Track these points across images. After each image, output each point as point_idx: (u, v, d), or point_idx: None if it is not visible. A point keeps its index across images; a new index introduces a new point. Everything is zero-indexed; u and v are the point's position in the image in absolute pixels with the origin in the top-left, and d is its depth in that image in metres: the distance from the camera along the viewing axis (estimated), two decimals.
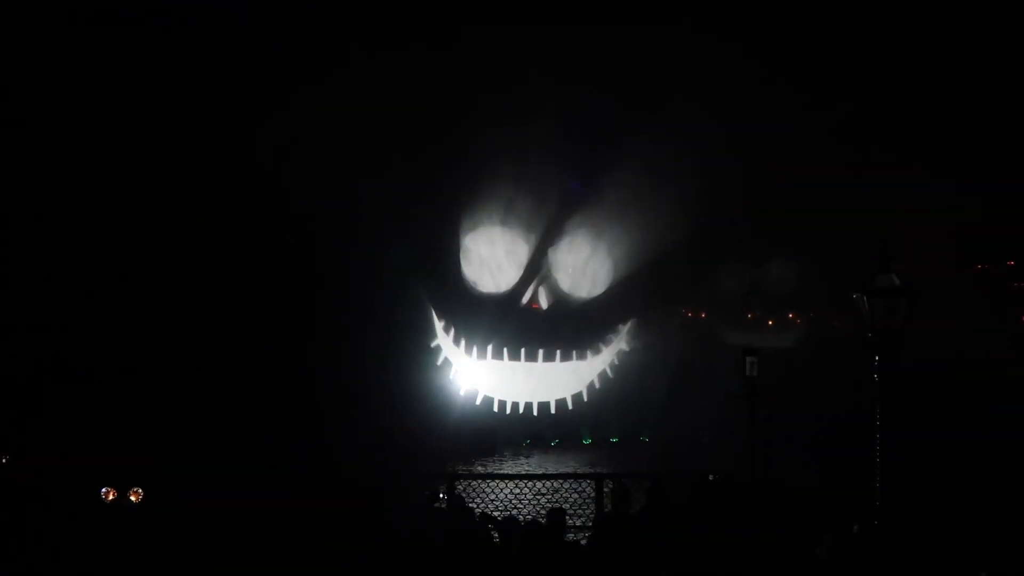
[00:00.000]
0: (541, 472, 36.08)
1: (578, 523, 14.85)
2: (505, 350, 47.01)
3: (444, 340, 48.12)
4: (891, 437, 11.24)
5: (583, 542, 12.48)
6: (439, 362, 47.72)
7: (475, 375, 47.27)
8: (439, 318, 48.30)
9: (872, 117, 52.33)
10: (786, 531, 11.83)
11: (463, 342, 47.48)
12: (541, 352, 47.10)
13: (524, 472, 36.98)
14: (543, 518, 11.61)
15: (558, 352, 47.07)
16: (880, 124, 52.36)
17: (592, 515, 14.95)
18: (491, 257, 48.83)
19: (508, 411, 47.29)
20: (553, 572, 10.50)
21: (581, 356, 48.02)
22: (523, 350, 47.04)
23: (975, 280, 59.43)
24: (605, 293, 49.21)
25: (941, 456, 36.03)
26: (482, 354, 46.97)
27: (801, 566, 11.02)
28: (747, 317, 53.18)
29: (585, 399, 47.69)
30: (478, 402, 46.59)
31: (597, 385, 48.36)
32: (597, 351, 48.83)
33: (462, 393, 46.96)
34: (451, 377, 47.46)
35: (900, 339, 11.17)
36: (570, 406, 47.58)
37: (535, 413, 47.56)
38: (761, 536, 11.19)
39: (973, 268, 63.47)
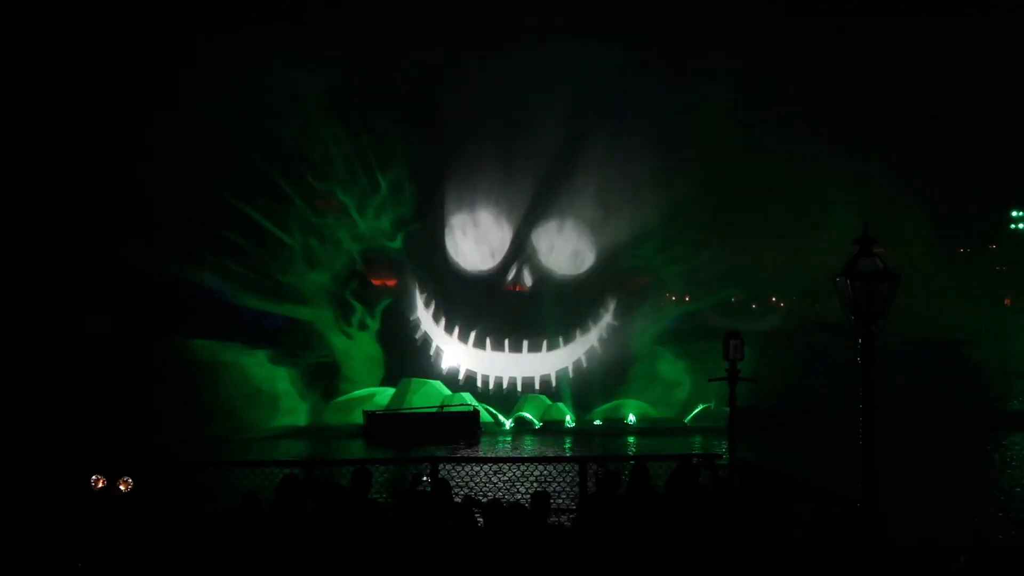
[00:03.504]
0: (525, 456, 36.21)
1: (562, 506, 14.90)
2: (488, 339, 47.31)
3: (424, 314, 48.17)
4: (873, 419, 11.30)
5: (567, 525, 12.55)
6: (417, 336, 47.88)
7: (457, 353, 47.51)
8: (421, 290, 48.36)
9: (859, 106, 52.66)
10: (767, 512, 11.91)
11: (444, 320, 47.72)
12: (526, 343, 47.56)
13: (508, 456, 37.12)
14: (527, 501, 11.66)
15: (544, 342, 47.49)
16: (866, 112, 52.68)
17: (576, 498, 15.02)
18: (476, 234, 48.98)
19: (491, 387, 47.43)
20: (537, 554, 10.56)
21: (568, 339, 48.32)
22: (507, 340, 47.49)
23: (958, 263, 59.82)
24: (591, 270, 49.40)
25: (925, 437, 36.37)
26: (464, 338, 47.35)
27: (781, 546, 11.10)
28: (731, 301, 53.40)
29: (571, 375, 47.87)
30: (460, 378, 46.66)
31: (584, 363, 48.60)
32: (586, 329, 48.92)
33: (444, 369, 47.25)
34: (431, 354, 47.74)
35: (882, 322, 11.22)
36: (554, 383, 47.69)
37: (519, 389, 47.71)
38: (742, 517, 11.27)
39: (955, 251, 63.91)
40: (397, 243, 50.49)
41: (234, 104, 45.45)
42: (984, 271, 71.70)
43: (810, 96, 49.23)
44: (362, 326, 50.30)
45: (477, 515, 11.46)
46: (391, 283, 50.87)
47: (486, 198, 48.97)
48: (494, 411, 47.00)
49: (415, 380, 47.55)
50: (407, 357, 49.19)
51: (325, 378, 48.97)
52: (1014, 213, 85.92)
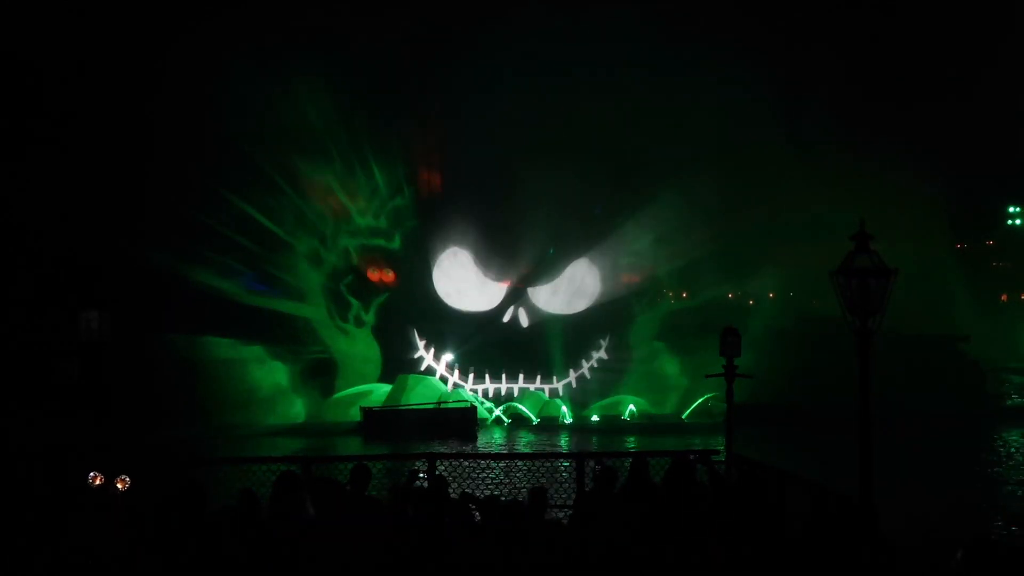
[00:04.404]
0: (522, 452, 36.20)
1: (559, 502, 14.89)
2: (487, 374, 48.40)
3: (425, 354, 49.18)
4: (869, 415, 11.32)
5: (564, 521, 12.55)
6: (422, 368, 48.70)
7: (457, 383, 48.68)
8: (420, 336, 49.31)
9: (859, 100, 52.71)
10: (764, 508, 11.90)
11: (443, 361, 48.81)
12: (521, 376, 48.57)
13: (505, 451, 37.12)
14: (524, 497, 11.66)
15: (538, 376, 48.59)
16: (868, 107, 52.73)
17: (573, 494, 15.01)
18: (469, 280, 50.04)
19: (490, 401, 47.96)
20: (534, 550, 10.55)
21: (562, 376, 49.34)
22: (504, 374, 48.47)
23: (955, 259, 59.85)
24: (586, 312, 50.37)
25: (922, 433, 36.42)
26: (463, 375, 48.46)
27: (778, 543, 11.11)
28: (728, 297, 53.45)
29: (560, 393, 48.63)
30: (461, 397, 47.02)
31: (574, 385, 49.28)
32: (578, 367, 49.79)
33: (448, 388, 48.05)
34: (436, 378, 48.52)
35: (879, 318, 11.24)
36: (546, 397, 48.53)
37: (514, 400, 48.16)
38: (739, 513, 11.27)
39: (953, 247, 63.94)
40: (396, 243, 50.69)
41: (229, 96, 45.44)
42: (981, 267, 71.77)
43: (807, 91, 49.24)
44: (359, 322, 50.34)
45: (474, 511, 11.46)
46: (388, 279, 50.96)
47: (483, 238, 49.91)
48: (491, 406, 47.16)
49: (412, 376, 47.65)
50: (404, 353, 49.39)
51: (322, 375, 48.96)
52: (1010, 209, 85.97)
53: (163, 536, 10.36)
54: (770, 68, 49.34)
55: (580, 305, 50.54)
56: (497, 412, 46.56)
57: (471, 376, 48.87)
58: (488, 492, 13.81)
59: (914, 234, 47.23)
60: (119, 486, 11.31)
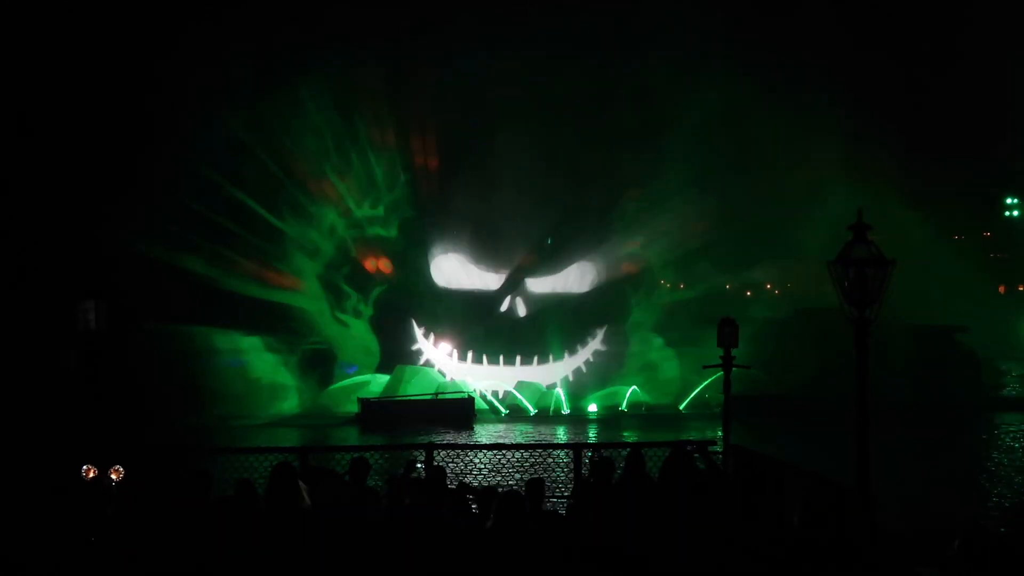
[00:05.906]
0: (520, 442, 36.23)
1: (557, 492, 14.90)
2: (484, 356, 48.38)
3: (424, 344, 49.18)
4: (866, 404, 11.30)
5: (562, 511, 12.53)
6: (421, 362, 48.69)
7: (456, 369, 48.61)
8: (418, 325, 49.31)
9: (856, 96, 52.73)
10: (761, 498, 11.90)
11: (441, 346, 48.85)
12: (519, 357, 48.57)
13: (503, 442, 37.13)
14: (522, 487, 11.64)
15: (535, 357, 48.57)
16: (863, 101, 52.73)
17: (571, 484, 15.01)
18: (467, 268, 50.07)
19: (489, 395, 47.90)
20: (532, 541, 10.53)
21: (558, 358, 49.34)
22: (501, 356, 48.46)
23: (953, 249, 59.87)
24: (582, 299, 50.40)
25: (920, 424, 36.49)
26: (463, 358, 48.46)
27: (776, 532, 11.10)
28: (726, 288, 53.44)
29: (558, 388, 48.65)
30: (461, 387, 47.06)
31: (571, 379, 49.30)
32: (574, 351, 49.78)
33: (447, 379, 48.04)
34: (435, 370, 48.54)
35: (876, 308, 11.21)
36: (544, 388, 48.56)
37: (513, 390, 48.19)
38: (736, 503, 11.26)
39: (950, 238, 63.96)
40: (393, 231, 50.70)
41: (224, 86, 45.40)
42: (978, 258, 71.78)
43: (805, 82, 49.17)
44: (356, 313, 50.33)
45: (471, 501, 11.44)
46: (385, 270, 50.97)
47: (479, 229, 49.88)
48: (488, 397, 47.11)
49: (409, 368, 47.68)
50: (402, 344, 49.37)
51: (320, 365, 48.96)
52: (1008, 200, 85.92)
53: (164, 523, 10.34)
54: (769, 57, 49.30)
55: (577, 290, 50.50)
56: (486, 391, 46.55)
57: (469, 356, 48.76)
58: (486, 482, 13.81)
59: (912, 224, 47.25)
60: (113, 477, 11.28)
